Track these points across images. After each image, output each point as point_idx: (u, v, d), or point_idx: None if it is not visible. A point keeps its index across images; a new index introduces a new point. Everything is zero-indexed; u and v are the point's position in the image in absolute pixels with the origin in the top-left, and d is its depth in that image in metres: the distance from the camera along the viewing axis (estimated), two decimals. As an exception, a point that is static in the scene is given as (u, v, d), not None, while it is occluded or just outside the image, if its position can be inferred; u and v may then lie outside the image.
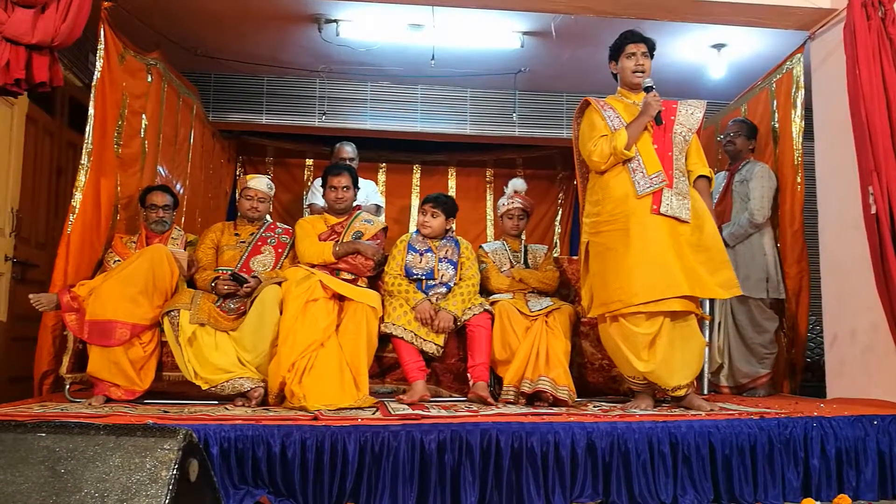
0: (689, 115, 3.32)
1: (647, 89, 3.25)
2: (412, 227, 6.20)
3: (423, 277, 3.68)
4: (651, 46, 3.34)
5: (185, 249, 3.70)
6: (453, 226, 3.96)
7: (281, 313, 3.28)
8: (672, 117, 3.29)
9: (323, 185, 3.93)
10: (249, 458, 2.44)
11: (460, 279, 3.74)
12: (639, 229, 3.12)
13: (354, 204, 4.04)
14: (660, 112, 3.21)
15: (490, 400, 3.34)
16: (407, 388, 3.47)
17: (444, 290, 3.67)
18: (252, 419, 2.65)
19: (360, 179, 5.16)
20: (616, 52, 3.37)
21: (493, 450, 2.54)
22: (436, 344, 3.51)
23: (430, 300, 3.59)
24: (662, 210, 3.13)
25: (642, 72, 3.30)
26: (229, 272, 3.48)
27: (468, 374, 3.52)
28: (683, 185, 3.23)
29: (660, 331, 3.13)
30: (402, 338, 3.45)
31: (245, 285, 3.43)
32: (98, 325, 3.15)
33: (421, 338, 3.49)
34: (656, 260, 3.09)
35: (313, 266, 3.65)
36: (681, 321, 3.18)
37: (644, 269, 3.08)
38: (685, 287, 3.08)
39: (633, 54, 3.30)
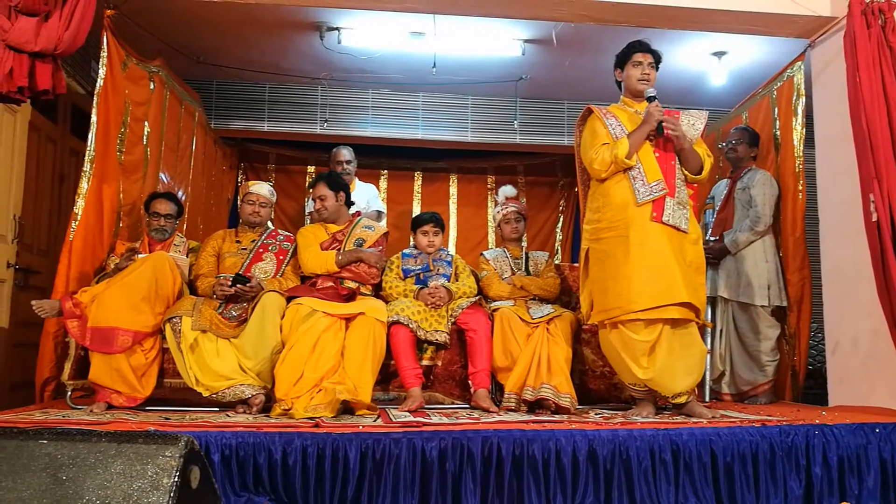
0: (690, 125, 3.34)
1: (650, 99, 3.26)
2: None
3: (420, 271, 3.79)
4: (657, 59, 3.37)
5: (186, 256, 3.71)
6: None
7: (282, 328, 3.28)
8: (674, 122, 3.29)
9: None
10: (251, 464, 2.44)
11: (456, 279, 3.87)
12: (638, 237, 3.13)
13: (354, 210, 4.04)
14: (661, 122, 3.21)
15: (492, 407, 3.34)
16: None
17: (442, 279, 3.77)
18: (253, 426, 2.65)
19: (362, 184, 5.19)
20: (622, 60, 3.38)
21: (494, 457, 2.54)
22: (440, 331, 3.51)
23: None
24: (664, 219, 3.14)
25: (648, 80, 3.31)
26: (231, 278, 3.48)
27: (469, 381, 3.52)
28: (684, 194, 3.25)
29: (659, 338, 3.13)
30: (407, 326, 3.43)
31: (248, 284, 3.43)
32: (100, 332, 3.15)
33: (424, 329, 3.49)
34: (656, 267, 3.10)
35: (317, 276, 3.66)
36: (681, 328, 3.18)
37: (643, 276, 3.09)
38: (684, 294, 3.08)
39: (640, 63, 3.32)
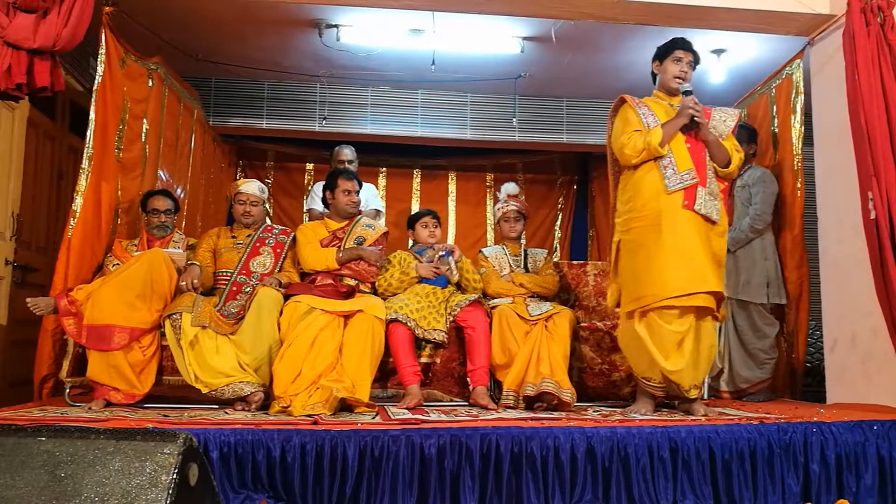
0: (722, 122, 3.37)
1: (686, 93, 3.28)
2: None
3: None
4: (696, 59, 3.40)
5: (184, 252, 3.70)
6: None
7: (280, 327, 3.30)
8: (705, 119, 3.32)
9: (331, 188, 3.90)
10: (249, 462, 2.44)
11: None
12: (670, 224, 3.15)
13: (355, 209, 4.05)
14: (694, 117, 3.23)
15: (490, 405, 3.34)
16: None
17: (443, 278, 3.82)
18: (252, 423, 2.66)
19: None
20: (663, 54, 3.40)
21: (492, 454, 2.54)
22: (439, 331, 3.51)
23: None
24: (696, 207, 3.16)
25: (683, 79, 3.33)
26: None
27: (468, 379, 3.52)
28: (715, 186, 3.27)
29: (688, 330, 3.14)
30: (405, 324, 3.44)
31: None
32: (96, 330, 3.15)
33: (423, 328, 3.49)
34: (687, 254, 3.12)
35: (316, 273, 3.66)
36: (702, 321, 3.20)
37: (676, 263, 3.11)
38: (714, 283, 3.11)
39: (680, 60, 3.34)
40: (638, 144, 3.22)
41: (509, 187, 4.25)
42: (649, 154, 3.21)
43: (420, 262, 3.85)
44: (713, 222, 3.20)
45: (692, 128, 3.26)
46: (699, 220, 3.17)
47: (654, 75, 3.47)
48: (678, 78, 3.33)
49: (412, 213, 6.56)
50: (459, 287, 3.86)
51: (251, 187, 3.87)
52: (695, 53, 3.38)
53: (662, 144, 3.19)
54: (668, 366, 3.13)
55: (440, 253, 3.81)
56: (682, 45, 3.36)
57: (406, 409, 3.20)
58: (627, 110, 3.36)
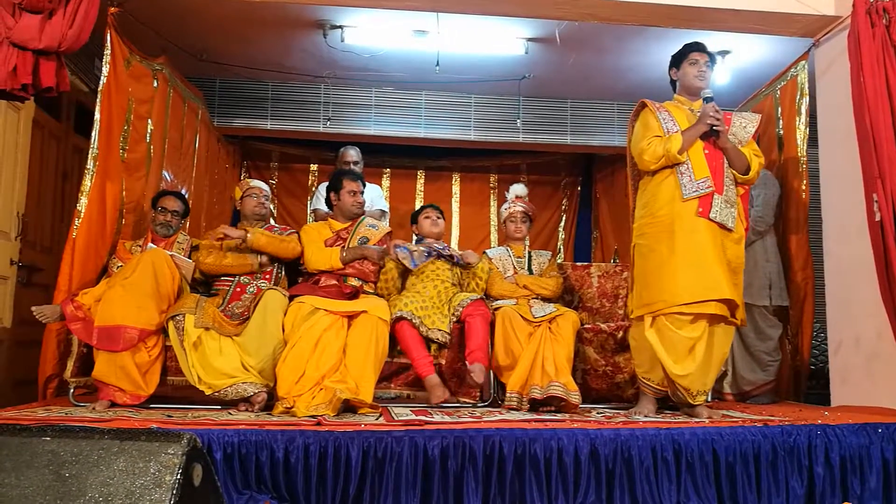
0: (742, 127, 3.36)
1: (707, 99, 3.29)
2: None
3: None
4: (713, 60, 3.42)
5: (189, 255, 3.71)
6: None
7: (284, 327, 3.30)
8: (725, 127, 3.31)
9: (336, 189, 3.92)
10: (253, 462, 2.44)
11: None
12: (684, 231, 3.15)
13: (359, 209, 4.06)
14: (713, 126, 3.23)
15: (484, 381, 3.37)
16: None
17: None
18: (255, 424, 2.66)
19: (367, 184, 5.19)
20: (679, 59, 3.43)
21: (496, 456, 2.54)
22: (441, 330, 3.51)
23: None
24: (711, 215, 3.16)
25: (703, 77, 3.35)
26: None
27: (466, 362, 3.48)
28: (732, 193, 3.27)
29: (701, 336, 3.14)
30: (410, 321, 3.44)
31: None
32: (107, 331, 3.15)
33: (426, 326, 3.49)
34: (700, 262, 3.12)
35: (320, 273, 3.66)
36: (718, 327, 3.20)
37: (688, 270, 3.11)
38: (727, 291, 3.10)
39: (697, 61, 3.36)
40: (657, 151, 3.22)
41: (518, 188, 4.25)
42: (668, 161, 3.21)
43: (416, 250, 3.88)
44: (728, 229, 3.20)
45: (711, 134, 3.26)
46: (714, 227, 3.17)
47: (672, 82, 3.50)
48: (699, 77, 3.34)
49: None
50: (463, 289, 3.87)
51: (260, 182, 3.99)
52: (710, 55, 3.40)
53: (681, 151, 3.19)
54: (678, 370, 3.12)
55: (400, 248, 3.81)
56: (697, 47, 3.38)
57: (436, 405, 3.28)
58: (648, 115, 3.36)
